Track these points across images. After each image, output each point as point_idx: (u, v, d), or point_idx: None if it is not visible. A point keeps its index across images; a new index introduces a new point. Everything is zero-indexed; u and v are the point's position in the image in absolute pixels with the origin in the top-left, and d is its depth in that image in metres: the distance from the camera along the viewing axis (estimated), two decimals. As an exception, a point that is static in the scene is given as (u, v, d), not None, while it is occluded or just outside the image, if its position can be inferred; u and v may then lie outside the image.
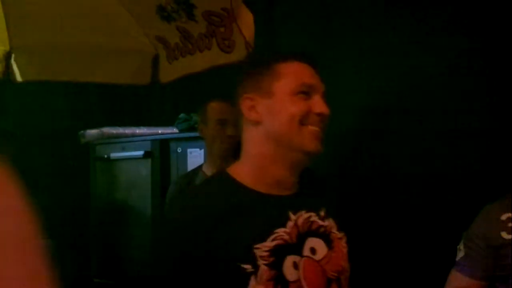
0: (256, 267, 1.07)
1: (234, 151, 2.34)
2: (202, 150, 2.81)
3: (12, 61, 2.36)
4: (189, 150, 2.89)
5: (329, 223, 1.21)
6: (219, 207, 1.13)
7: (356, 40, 2.49)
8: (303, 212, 1.17)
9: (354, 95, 2.35)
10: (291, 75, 1.17)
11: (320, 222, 1.19)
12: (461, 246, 1.71)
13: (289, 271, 1.10)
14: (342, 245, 1.22)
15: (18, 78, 2.37)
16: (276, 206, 1.16)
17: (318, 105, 1.16)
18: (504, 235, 1.62)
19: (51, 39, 2.31)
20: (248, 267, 1.07)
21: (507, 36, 2.05)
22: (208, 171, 2.43)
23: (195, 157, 2.86)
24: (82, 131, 3.24)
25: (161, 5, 2.02)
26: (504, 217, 1.64)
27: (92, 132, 3.21)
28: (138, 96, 3.47)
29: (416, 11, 2.32)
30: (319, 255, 1.16)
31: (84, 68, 2.33)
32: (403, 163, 2.28)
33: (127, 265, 2.56)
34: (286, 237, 1.12)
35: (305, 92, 1.16)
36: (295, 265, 1.11)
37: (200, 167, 2.51)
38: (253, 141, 1.20)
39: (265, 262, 1.08)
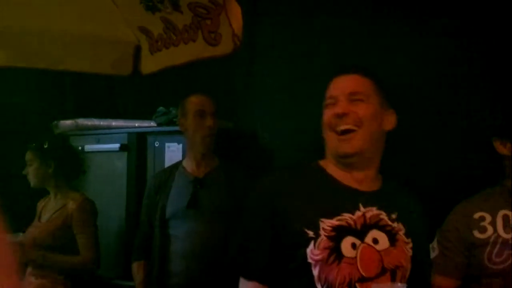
0: (317, 235, 1.25)
1: (213, 144, 2.35)
2: (181, 145, 2.76)
3: (-16, 46, 2.26)
4: (167, 144, 2.84)
5: (398, 226, 1.33)
6: (299, 182, 1.36)
7: (338, 35, 2.50)
8: (374, 208, 1.32)
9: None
10: (327, 91, 1.39)
11: (389, 222, 1.32)
12: (434, 245, 1.72)
13: (346, 248, 1.25)
14: (406, 248, 1.32)
15: (-11, 63, 2.27)
16: (349, 195, 1.33)
17: (337, 107, 1.34)
18: (476, 234, 1.64)
19: (27, 24, 2.22)
20: (310, 233, 1.25)
21: (500, 37, 2.08)
22: (188, 166, 2.41)
23: (173, 151, 2.81)
24: (55, 122, 3.14)
25: (146, -6, 1.96)
26: (476, 215, 1.66)
27: (66, 123, 3.11)
28: (114, 87, 3.38)
29: (397, 8, 2.34)
30: (380, 246, 1.28)
31: (62, 56, 2.25)
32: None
33: (102, 258, 2.50)
34: (351, 221, 1.28)
35: (332, 103, 1.36)
36: (353, 246, 1.26)
37: (180, 162, 2.48)
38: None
39: (326, 233, 1.25)
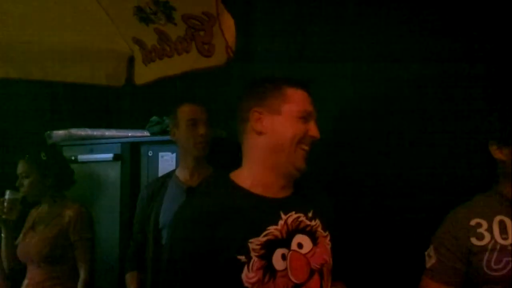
0: (249, 258, 1.26)
1: (207, 152, 2.35)
2: (174, 154, 2.77)
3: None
4: (160, 153, 2.85)
5: (315, 222, 1.40)
6: (220, 207, 1.32)
7: (334, 46, 2.52)
8: (293, 212, 1.36)
9: (330, 102, 2.37)
10: (297, 100, 1.40)
11: (308, 222, 1.38)
12: (431, 252, 1.69)
13: (277, 262, 1.29)
14: (326, 242, 1.41)
15: (-17, 75, 2.27)
16: (269, 207, 1.35)
17: (313, 130, 1.40)
18: (474, 241, 1.61)
19: (21, 36, 2.22)
20: (242, 258, 1.26)
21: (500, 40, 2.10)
22: (181, 175, 2.41)
23: (167, 161, 2.82)
24: (48, 132, 3.13)
25: (140, 7, 1.97)
26: (473, 222, 1.63)
27: (59, 133, 3.11)
28: (107, 97, 3.39)
29: (395, 14, 2.36)
30: (305, 249, 1.34)
31: (56, 67, 2.25)
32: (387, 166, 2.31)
33: (96, 268, 2.51)
34: (277, 233, 1.31)
35: (305, 117, 1.39)
36: (283, 257, 1.30)
37: (173, 171, 2.48)
38: (255, 148, 1.42)
39: (256, 254, 1.27)
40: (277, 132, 1.39)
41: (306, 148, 1.39)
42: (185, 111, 2.37)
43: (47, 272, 2.42)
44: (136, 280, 2.40)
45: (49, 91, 3.38)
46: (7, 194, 2.45)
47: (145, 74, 2.24)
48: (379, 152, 2.37)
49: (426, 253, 1.70)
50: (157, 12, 1.96)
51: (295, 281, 1.30)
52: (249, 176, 1.40)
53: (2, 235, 2.50)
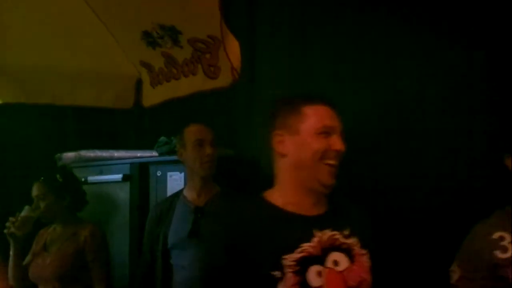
0: (283, 274, 1.25)
1: (213, 171, 2.37)
2: (183, 174, 2.79)
3: (-11, 83, 2.32)
4: (169, 173, 2.87)
5: (352, 241, 1.38)
6: (255, 223, 1.34)
7: (336, 66, 2.55)
8: (328, 230, 1.35)
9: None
10: (315, 117, 1.39)
11: (344, 240, 1.36)
12: (455, 268, 1.70)
13: (313, 278, 1.27)
14: (364, 260, 1.38)
15: (-4, 100, 2.33)
16: (302, 224, 1.35)
17: (337, 143, 1.38)
18: (499, 254, 1.61)
19: (30, 60, 2.29)
20: (277, 273, 1.25)
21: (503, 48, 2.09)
22: (189, 194, 2.43)
23: (175, 180, 2.84)
24: (58, 154, 3.17)
25: (147, 31, 2.03)
26: (496, 235, 1.63)
27: (69, 155, 3.15)
28: (116, 119, 3.43)
29: (397, 31, 2.38)
30: (341, 267, 1.32)
31: (65, 91, 2.31)
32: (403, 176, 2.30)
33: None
34: (311, 250, 1.30)
35: (326, 132, 1.38)
36: (319, 274, 1.28)
37: (181, 191, 2.50)
38: (281, 170, 1.43)
39: (291, 270, 1.26)
40: (298, 152, 1.39)
41: (332, 162, 1.38)
42: (191, 132, 2.39)
43: None
44: (146, 300, 2.41)
45: (58, 113, 3.42)
46: (24, 211, 2.47)
47: (152, 96, 2.28)
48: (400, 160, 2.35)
49: (450, 269, 1.70)
50: (163, 36, 2.02)
51: None
52: (281, 195, 1.41)
53: (11, 252, 2.50)
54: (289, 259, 1.27)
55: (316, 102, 1.42)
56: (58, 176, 2.55)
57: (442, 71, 2.26)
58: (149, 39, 2.04)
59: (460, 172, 2.17)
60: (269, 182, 2.88)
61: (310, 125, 1.38)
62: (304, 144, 1.38)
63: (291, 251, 1.28)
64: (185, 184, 2.63)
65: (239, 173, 2.86)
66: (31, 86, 2.33)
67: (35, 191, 2.51)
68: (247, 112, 3.00)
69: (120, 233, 2.92)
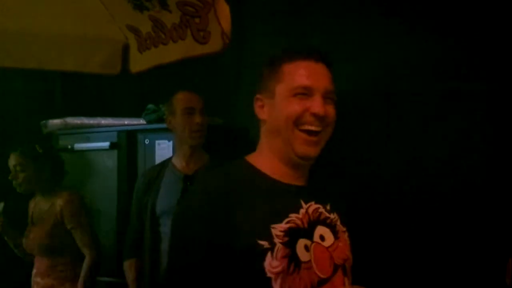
0: (272, 244, 1.12)
1: (203, 141, 2.35)
2: (171, 142, 2.77)
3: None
4: (157, 141, 2.85)
5: (334, 216, 1.28)
6: (240, 189, 1.18)
7: (327, 35, 2.51)
8: (312, 202, 1.24)
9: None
10: (291, 76, 1.21)
11: (327, 214, 1.26)
12: None
13: (301, 252, 1.15)
14: (346, 237, 1.29)
15: (-20, 65, 2.26)
16: (290, 194, 1.22)
17: (315, 105, 1.19)
18: None
19: (15, 25, 2.21)
20: (265, 243, 1.12)
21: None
22: (177, 163, 2.41)
23: (163, 149, 2.82)
24: (44, 121, 3.13)
25: (134, -7, 1.96)
26: None
27: (55, 122, 3.10)
28: (103, 85, 3.37)
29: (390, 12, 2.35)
30: (327, 243, 1.22)
31: (52, 56, 2.24)
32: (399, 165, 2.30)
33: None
34: (298, 222, 1.19)
35: (303, 94, 1.19)
36: (306, 248, 1.17)
37: (169, 159, 2.48)
38: (263, 136, 1.28)
39: (280, 240, 1.13)
40: (272, 117, 1.23)
41: (309, 128, 1.19)
42: (181, 99, 2.35)
43: (51, 261, 2.45)
44: (134, 268, 2.42)
45: (44, 79, 3.36)
46: None
47: (140, 62, 2.23)
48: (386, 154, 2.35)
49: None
50: (151, -1, 1.95)
51: (321, 275, 1.17)
52: (265, 162, 1.24)
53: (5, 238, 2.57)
54: (278, 228, 1.14)
55: (297, 58, 1.22)
56: (37, 146, 2.50)
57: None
58: (136, 1, 1.96)
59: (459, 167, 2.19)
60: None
61: (285, 86, 1.20)
62: (277, 109, 1.21)
63: (280, 220, 1.15)
64: (173, 152, 2.62)
65: (229, 142, 2.85)
66: (16, 50, 2.25)
67: (12, 161, 2.47)
68: (236, 78, 2.97)
69: (108, 201, 2.91)
